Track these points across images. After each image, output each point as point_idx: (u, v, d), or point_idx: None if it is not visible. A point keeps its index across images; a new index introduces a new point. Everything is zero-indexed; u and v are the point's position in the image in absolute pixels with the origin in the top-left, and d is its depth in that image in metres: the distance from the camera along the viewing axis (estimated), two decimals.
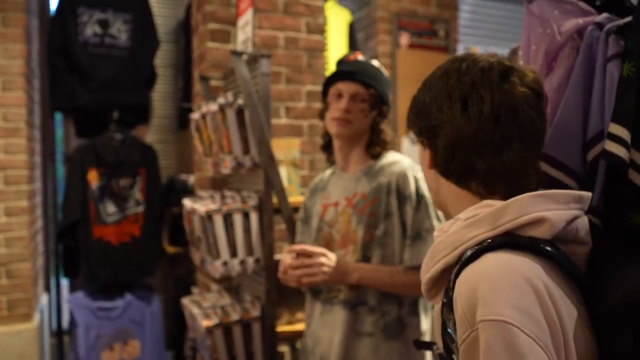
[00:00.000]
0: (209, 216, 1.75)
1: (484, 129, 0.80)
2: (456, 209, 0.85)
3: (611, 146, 0.82)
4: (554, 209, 0.74)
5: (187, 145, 3.37)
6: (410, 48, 3.48)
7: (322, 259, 1.40)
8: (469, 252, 0.74)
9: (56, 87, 2.83)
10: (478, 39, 4.40)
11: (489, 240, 0.74)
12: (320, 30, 2.41)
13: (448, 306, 0.75)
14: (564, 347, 0.68)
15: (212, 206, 1.77)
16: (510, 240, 0.73)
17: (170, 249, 3.08)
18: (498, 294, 0.67)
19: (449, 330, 0.75)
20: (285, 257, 1.47)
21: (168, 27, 3.32)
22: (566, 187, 0.90)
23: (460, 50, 3.90)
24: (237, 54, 1.76)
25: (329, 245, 1.52)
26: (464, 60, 0.85)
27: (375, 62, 1.60)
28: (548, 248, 0.73)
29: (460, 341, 0.70)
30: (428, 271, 0.82)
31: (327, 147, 1.65)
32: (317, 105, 2.41)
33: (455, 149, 0.82)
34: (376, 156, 1.54)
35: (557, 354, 0.66)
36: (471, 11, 4.27)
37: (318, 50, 2.41)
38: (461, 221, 0.80)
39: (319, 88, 2.41)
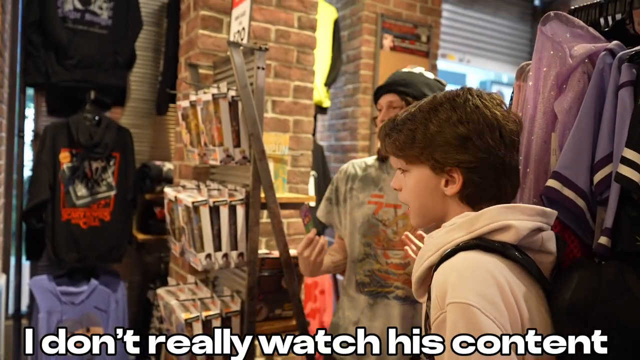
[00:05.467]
0: (195, 207, 1.72)
1: (514, 157, 0.95)
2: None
3: (625, 170, 0.86)
4: (520, 219, 0.87)
5: (162, 131, 3.30)
6: (393, 50, 3.51)
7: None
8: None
9: (31, 62, 2.71)
10: (454, 46, 4.48)
11: (464, 242, 0.87)
12: (312, 26, 2.40)
13: (430, 297, 0.87)
14: (522, 332, 0.80)
15: (200, 197, 1.74)
16: (481, 243, 0.86)
17: (140, 236, 3.01)
18: (464, 283, 0.79)
19: (430, 317, 0.86)
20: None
21: (150, 9, 3.22)
22: (576, 206, 0.94)
23: (439, 56, 3.95)
24: (234, 44, 1.73)
25: (380, 241, 1.60)
26: (470, 93, 0.97)
27: (417, 69, 1.63)
28: (513, 251, 0.86)
29: (432, 321, 0.83)
30: (417, 271, 0.95)
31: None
32: (304, 101, 2.40)
33: (499, 176, 0.93)
34: None
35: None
36: (449, 18, 4.33)
37: (308, 47, 2.40)
38: (445, 228, 0.93)
39: (306, 84, 2.41)
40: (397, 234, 1.58)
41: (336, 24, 3.45)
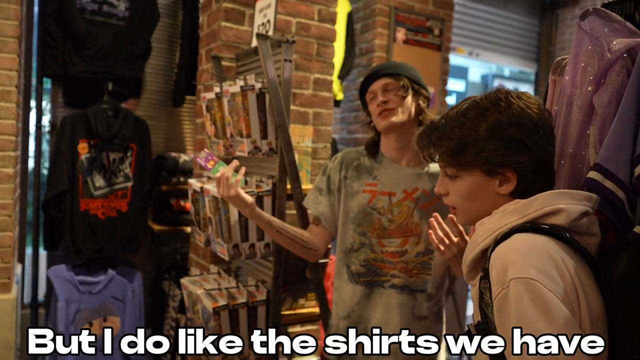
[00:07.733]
0: (223, 199, 1.75)
1: (555, 149, 1.06)
2: None
3: None
4: (570, 203, 0.94)
5: (176, 123, 3.32)
6: (405, 44, 3.53)
7: None
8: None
9: (49, 53, 2.72)
10: (464, 39, 4.50)
11: (518, 225, 0.93)
12: (332, 19, 2.41)
13: (485, 277, 0.93)
14: (579, 305, 0.86)
15: None
16: (535, 226, 0.93)
17: (156, 227, 3.03)
18: (524, 259, 0.85)
19: (484, 297, 0.93)
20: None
21: (166, 0, 3.23)
22: (617, 198, 0.97)
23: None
24: (262, 37, 1.75)
25: (375, 230, 1.60)
26: (507, 93, 1.04)
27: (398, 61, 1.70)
28: (564, 233, 0.92)
29: (493, 298, 0.88)
30: (469, 254, 1.01)
31: (373, 146, 1.69)
32: (323, 93, 2.42)
33: (547, 169, 1.02)
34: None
35: (573, 308, 0.84)
36: (459, 12, 4.34)
37: (328, 39, 2.42)
38: (496, 214, 1.00)
39: (326, 77, 2.43)
40: (392, 222, 1.59)
41: (350, 16, 3.46)
